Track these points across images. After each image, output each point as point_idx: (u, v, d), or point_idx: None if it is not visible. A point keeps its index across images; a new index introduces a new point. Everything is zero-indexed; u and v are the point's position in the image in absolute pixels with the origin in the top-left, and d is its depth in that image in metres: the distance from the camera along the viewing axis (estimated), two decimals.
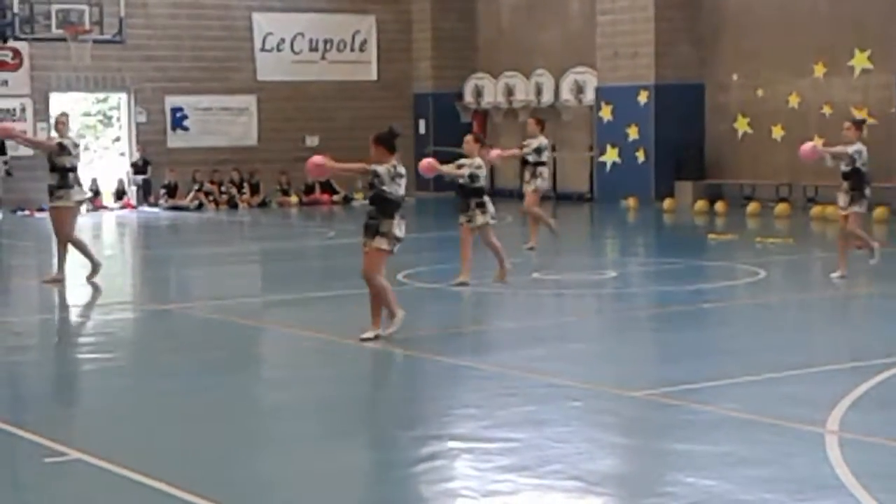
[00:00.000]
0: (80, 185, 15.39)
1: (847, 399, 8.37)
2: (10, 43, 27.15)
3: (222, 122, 30.05)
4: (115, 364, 10.53)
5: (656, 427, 7.97)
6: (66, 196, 15.05)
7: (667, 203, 25.75)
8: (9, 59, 27.69)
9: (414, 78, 32.03)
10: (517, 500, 6.44)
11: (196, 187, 28.92)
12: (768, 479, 6.61)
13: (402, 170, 10.82)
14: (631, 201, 26.29)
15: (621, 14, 27.24)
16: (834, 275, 14.48)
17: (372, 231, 10.79)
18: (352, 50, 31.45)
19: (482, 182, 14.27)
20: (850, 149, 14.13)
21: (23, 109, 27.80)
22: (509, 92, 30.40)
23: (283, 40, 30.58)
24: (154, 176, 29.05)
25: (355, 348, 10.68)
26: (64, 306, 14.23)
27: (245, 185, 29.49)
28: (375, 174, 10.67)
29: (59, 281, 15.14)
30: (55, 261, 15.52)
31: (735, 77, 26.43)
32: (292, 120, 30.40)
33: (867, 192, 14.32)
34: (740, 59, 26.28)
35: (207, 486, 6.67)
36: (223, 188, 29.30)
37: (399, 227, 10.80)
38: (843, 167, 14.26)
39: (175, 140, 29.59)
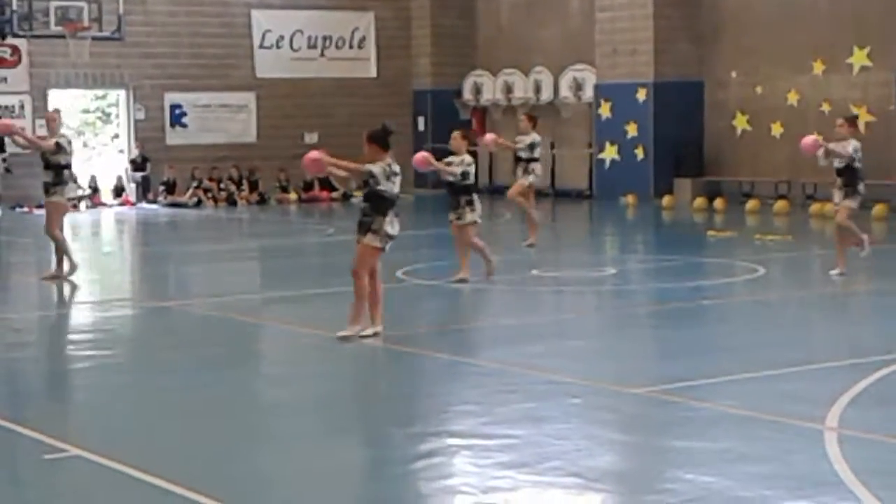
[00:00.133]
0: (74, 181, 15.42)
1: (846, 396, 8.37)
2: (9, 40, 27.12)
3: (221, 118, 30.05)
4: (114, 360, 10.52)
5: (655, 424, 7.98)
6: (59, 192, 15.09)
7: (666, 200, 25.74)
8: (7, 56, 27.69)
9: (413, 75, 32.02)
10: (516, 496, 6.45)
11: (195, 184, 28.91)
12: (767, 475, 6.61)
13: (396, 168, 10.80)
14: (630, 198, 26.29)
15: (620, 11, 27.23)
16: (833, 272, 14.48)
17: (365, 228, 10.78)
18: (351, 47, 31.45)
19: (472, 179, 14.25)
20: (850, 147, 14.12)
21: (21, 106, 27.79)
22: (508, 89, 30.39)
23: (281, 37, 30.57)
24: (153, 173, 29.04)
25: (354, 345, 10.67)
26: (63, 303, 14.22)
27: (244, 181, 29.49)
28: (371, 175, 10.65)
29: (58, 277, 15.15)
30: (54, 258, 15.51)
31: (734, 74, 26.43)
32: (291, 117, 30.40)
33: (860, 188, 14.31)
34: (739, 57, 26.28)
35: (206, 482, 6.67)
36: (222, 185, 29.29)
37: (392, 225, 10.77)
38: (837, 164, 14.27)
39: (174, 137, 29.58)
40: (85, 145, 37.79)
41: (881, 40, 23.60)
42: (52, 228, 15.17)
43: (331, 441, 7.77)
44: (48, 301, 14.28)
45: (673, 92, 26.63)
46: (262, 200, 29.27)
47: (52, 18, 26.31)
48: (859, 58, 24.10)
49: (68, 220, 24.55)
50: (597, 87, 28.04)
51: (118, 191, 29.27)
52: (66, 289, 14.80)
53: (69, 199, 15.34)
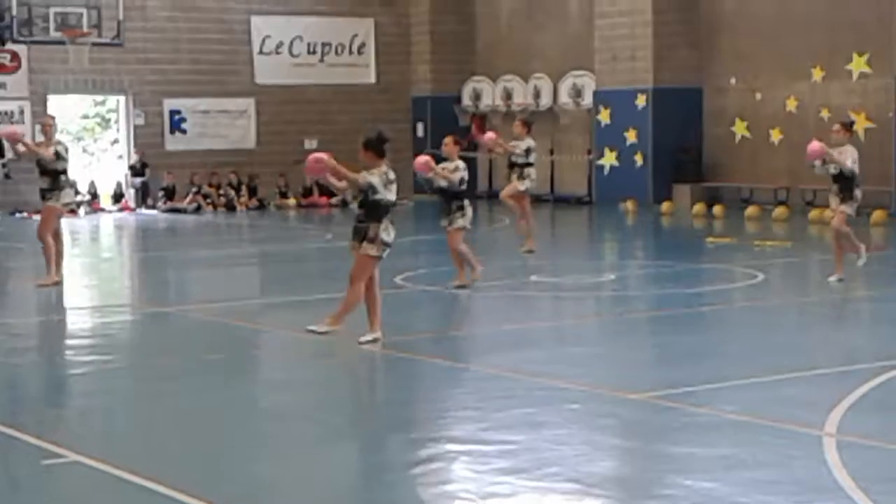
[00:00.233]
0: (70, 186, 15.45)
1: (846, 402, 8.37)
2: (9, 46, 27.15)
3: (220, 124, 30.05)
4: (112, 366, 10.52)
5: (655, 429, 7.97)
6: (55, 198, 15.12)
7: (665, 206, 25.75)
8: (7, 62, 27.69)
9: (412, 81, 32.04)
10: (515, 502, 6.44)
11: (194, 190, 28.91)
12: (767, 481, 6.61)
13: (392, 175, 10.77)
14: (629, 204, 26.28)
15: (620, 18, 27.25)
16: (831, 278, 14.48)
17: (360, 234, 10.75)
18: (350, 53, 31.46)
19: (464, 185, 14.21)
20: (848, 161, 14.10)
21: (21, 112, 27.79)
22: (508, 95, 30.41)
23: (281, 43, 30.58)
24: (152, 178, 29.04)
25: (353, 351, 10.67)
26: (62, 308, 14.21)
27: (243, 187, 29.49)
28: (371, 187, 10.63)
29: (57, 283, 15.15)
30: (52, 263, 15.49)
31: (733, 81, 26.45)
32: (291, 123, 30.41)
33: (856, 193, 14.30)
34: (738, 63, 26.30)
35: (205, 488, 6.66)
36: (221, 191, 29.30)
37: (387, 232, 10.74)
38: (832, 170, 14.28)
39: (173, 143, 29.59)
40: (84, 151, 37.83)
41: (880, 47, 23.62)
42: (44, 232, 15.18)
43: (330, 447, 7.77)
44: (47, 306, 14.27)
45: (672, 98, 26.65)
46: (262, 206, 29.28)
47: (52, 24, 26.34)
48: (858, 64, 24.11)
49: (68, 225, 24.63)
50: (596, 94, 28.06)
51: (117, 196, 29.28)
52: (82, 294, 14.80)
53: (65, 205, 15.35)
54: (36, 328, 13.03)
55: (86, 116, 37.79)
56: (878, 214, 21.94)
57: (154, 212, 28.53)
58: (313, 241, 22.51)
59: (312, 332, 10.86)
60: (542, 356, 10.41)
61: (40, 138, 15.73)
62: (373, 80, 31.68)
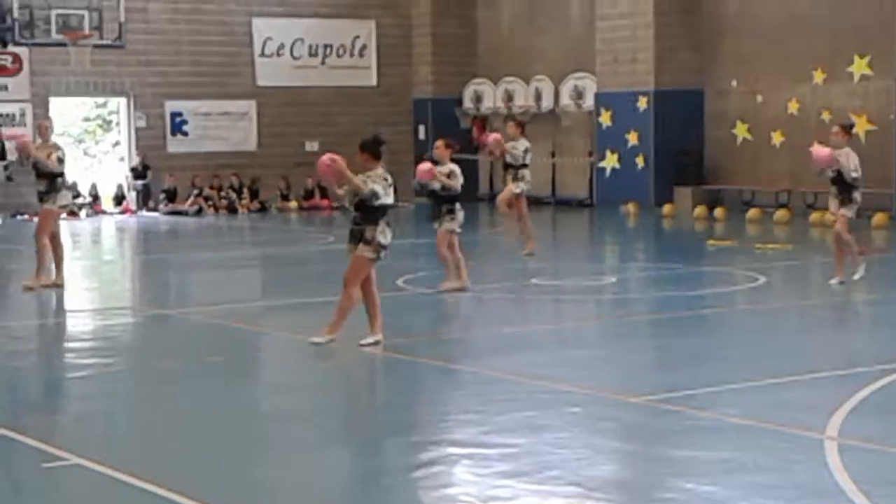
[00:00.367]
0: (67, 189, 15.48)
1: (847, 405, 8.36)
2: (10, 48, 27.17)
3: (222, 127, 30.07)
4: (114, 369, 10.51)
5: (656, 433, 7.96)
6: (52, 200, 15.15)
7: (666, 209, 25.75)
8: (9, 64, 27.71)
9: (413, 83, 32.05)
10: None
11: (196, 192, 28.93)
12: (768, 485, 6.60)
13: (389, 178, 10.78)
14: (630, 207, 26.29)
15: (621, 20, 27.25)
16: (833, 280, 14.47)
17: (356, 237, 10.75)
18: (351, 55, 31.47)
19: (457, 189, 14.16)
20: (851, 165, 14.08)
21: (22, 114, 27.81)
22: (509, 97, 30.42)
23: (282, 45, 30.60)
24: (154, 181, 29.06)
25: (354, 353, 10.66)
26: (63, 311, 14.21)
27: (244, 189, 29.50)
28: (375, 195, 10.61)
29: (59, 285, 15.16)
30: (52, 266, 15.49)
31: (734, 83, 26.45)
32: (292, 125, 30.43)
33: (855, 196, 14.28)
34: (740, 65, 26.30)
35: (206, 491, 6.66)
36: (223, 193, 29.31)
37: (384, 234, 10.73)
38: (830, 173, 14.28)
39: (175, 145, 29.61)
40: (85, 153, 37.85)
41: (881, 49, 23.62)
42: (40, 235, 15.20)
43: (331, 450, 7.77)
44: (48, 309, 14.27)
45: (673, 100, 26.65)
46: (263, 208, 29.29)
47: (54, 26, 26.37)
48: (860, 66, 24.12)
49: (69, 228, 24.65)
50: (597, 96, 28.06)
51: (119, 199, 29.29)
52: (83, 297, 14.81)
53: (61, 207, 15.38)
54: (37, 331, 13.03)
55: (87, 119, 37.81)
56: (879, 217, 21.93)
57: (155, 214, 28.55)
58: (314, 243, 22.51)
59: (316, 344, 10.80)
60: (543, 359, 10.41)
61: (38, 141, 15.73)
62: (374, 82, 31.69)
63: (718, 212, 24.89)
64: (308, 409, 8.87)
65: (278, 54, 30.59)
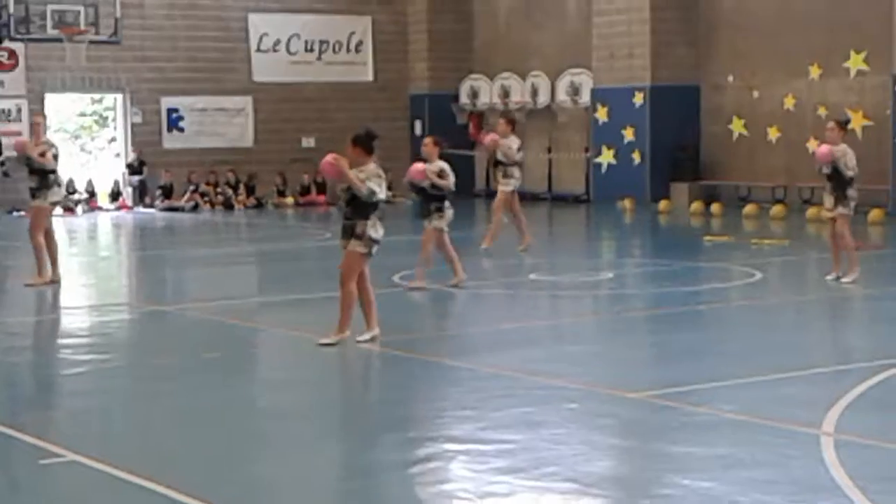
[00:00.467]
0: (58, 185, 15.47)
1: (843, 401, 8.37)
2: (6, 43, 27.13)
3: (218, 123, 30.04)
4: (110, 365, 10.51)
5: (653, 429, 7.97)
6: (42, 197, 15.14)
7: (662, 204, 25.75)
8: (4, 60, 27.67)
9: (410, 79, 32.03)
10: (513, 502, 6.44)
11: (192, 188, 28.91)
12: (765, 480, 6.61)
13: (382, 173, 10.75)
14: (627, 202, 26.29)
15: (617, 15, 27.25)
16: (829, 276, 14.48)
17: (348, 232, 10.73)
18: (348, 51, 31.45)
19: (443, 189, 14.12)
20: (850, 166, 14.08)
21: (18, 110, 27.77)
22: (505, 93, 30.40)
23: (278, 41, 30.57)
24: (150, 177, 29.04)
25: (351, 350, 10.67)
26: (59, 307, 14.20)
27: (241, 185, 29.48)
28: (373, 194, 10.60)
29: (55, 282, 15.15)
30: (48, 262, 15.47)
31: (731, 78, 26.45)
32: (288, 121, 30.40)
33: (850, 192, 14.26)
34: (736, 61, 26.30)
35: (203, 487, 6.66)
36: (219, 189, 29.29)
37: (375, 229, 10.69)
38: (825, 169, 14.29)
39: (171, 141, 29.58)
40: (82, 149, 37.81)
41: (878, 44, 23.61)
42: (35, 233, 15.19)
43: (328, 446, 7.77)
44: (44, 305, 14.27)
45: (670, 96, 26.65)
46: (259, 204, 29.27)
47: (49, 22, 26.32)
48: (856, 62, 24.11)
49: (65, 224, 24.64)
50: (594, 91, 28.05)
51: (115, 195, 29.26)
52: (79, 293, 14.80)
53: (53, 203, 15.36)
54: (33, 327, 13.02)
55: (83, 114, 37.75)
56: (875, 213, 21.94)
57: (152, 210, 28.52)
58: (311, 239, 22.50)
59: (325, 345, 10.76)
60: (540, 355, 10.41)
61: (31, 138, 15.71)
62: (370, 77, 31.67)
63: (715, 207, 24.90)
64: (305, 406, 8.88)
65: (274, 50, 30.56)
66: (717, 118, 26.78)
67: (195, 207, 28.60)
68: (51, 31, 26.28)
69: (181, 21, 29.49)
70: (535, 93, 29.71)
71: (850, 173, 14.13)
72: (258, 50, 30.37)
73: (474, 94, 31.18)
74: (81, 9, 26.44)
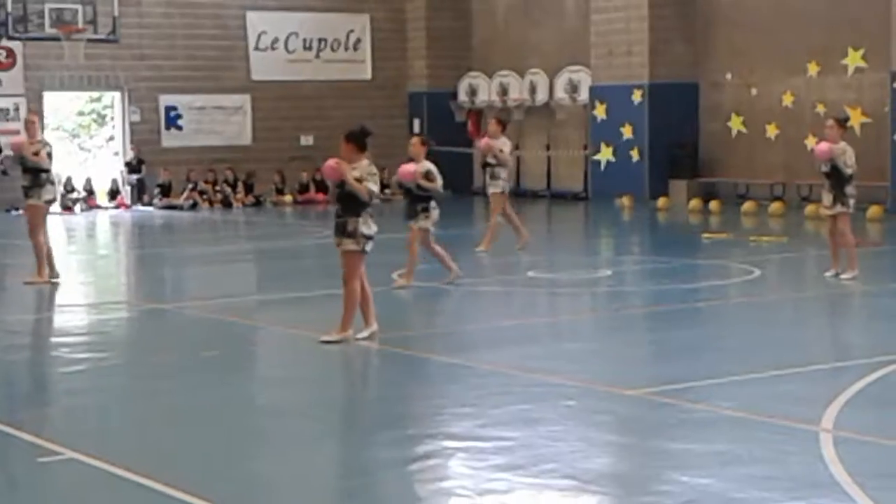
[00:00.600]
0: (52, 184, 15.47)
1: (842, 397, 8.37)
2: (4, 42, 27.11)
3: (216, 121, 30.02)
4: (109, 363, 10.51)
5: (651, 425, 7.97)
6: (36, 195, 15.14)
7: (661, 202, 25.75)
8: (2, 59, 27.65)
9: (408, 77, 32.02)
10: (511, 498, 6.44)
11: (190, 186, 28.89)
12: (763, 477, 6.61)
13: (375, 169, 10.73)
14: (625, 200, 26.29)
15: (615, 13, 27.25)
16: (828, 273, 14.49)
17: (340, 229, 10.71)
18: (346, 49, 31.43)
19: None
20: (849, 164, 14.07)
21: (16, 109, 27.74)
22: (503, 91, 30.39)
23: (277, 39, 30.55)
24: (148, 175, 29.02)
25: (349, 347, 10.66)
26: (58, 305, 14.19)
27: (239, 184, 29.47)
28: (372, 195, 10.60)
29: (48, 282, 15.14)
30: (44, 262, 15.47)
31: (729, 76, 26.45)
32: (287, 119, 30.39)
33: (848, 190, 14.24)
34: (734, 58, 26.30)
35: (202, 485, 6.66)
36: (217, 187, 29.28)
37: (367, 225, 10.66)
38: (824, 168, 14.29)
39: (169, 139, 29.56)
40: (80, 148, 37.80)
41: (876, 41, 23.61)
42: (34, 232, 15.18)
43: (326, 443, 7.77)
44: (43, 303, 14.26)
45: (668, 93, 26.65)
46: (258, 202, 29.26)
47: (47, 21, 26.31)
48: (854, 59, 24.12)
49: (63, 223, 24.63)
50: (592, 89, 28.05)
51: (113, 193, 29.25)
52: (77, 291, 14.79)
53: (47, 202, 15.36)
54: (32, 325, 13.02)
55: (81, 113, 37.74)
56: (873, 210, 21.94)
57: (150, 208, 28.51)
58: (309, 237, 22.50)
59: (327, 342, 10.75)
60: (538, 352, 10.41)
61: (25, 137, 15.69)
62: (369, 75, 31.66)
63: (713, 205, 24.90)
64: (303, 403, 8.87)
65: (272, 48, 30.54)
66: (715, 115, 26.78)
67: (194, 206, 28.58)
68: (49, 30, 26.28)
69: (179, 19, 29.47)
70: (533, 90, 29.71)
71: (848, 171, 14.13)
72: (256, 48, 30.35)
73: (473, 92, 31.17)
74: (79, 7, 26.43)
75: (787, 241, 18.96)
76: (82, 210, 27.99)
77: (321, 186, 29.16)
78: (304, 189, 29.75)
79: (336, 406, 9.00)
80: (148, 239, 23.38)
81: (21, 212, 26.33)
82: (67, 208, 27.54)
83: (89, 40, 26.61)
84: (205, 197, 28.97)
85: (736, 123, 26.34)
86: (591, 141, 28.25)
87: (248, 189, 29.48)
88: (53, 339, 12.10)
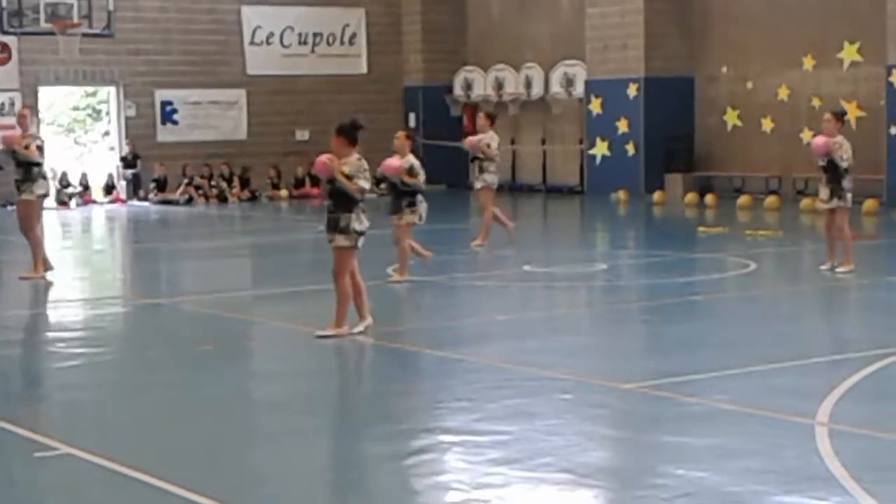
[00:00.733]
0: (44, 178, 15.45)
1: (837, 390, 8.38)
2: None
3: (212, 116, 30.00)
4: (105, 358, 10.51)
5: (647, 419, 7.98)
6: (29, 190, 15.12)
7: (657, 196, 25.77)
8: None
9: (404, 71, 32.00)
10: (508, 492, 6.44)
11: (186, 181, 28.88)
12: (758, 470, 6.62)
13: (365, 164, 10.71)
14: (621, 194, 26.30)
15: (610, 7, 27.24)
16: (823, 266, 14.50)
17: (333, 226, 10.70)
18: (341, 43, 31.41)
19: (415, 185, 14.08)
20: (846, 158, 14.07)
21: (12, 104, 27.70)
22: (499, 85, 30.39)
23: (272, 34, 30.52)
24: (144, 170, 29.00)
25: (344, 342, 10.66)
26: (53, 301, 14.19)
27: (235, 178, 29.46)
28: (362, 191, 10.58)
29: (41, 277, 15.13)
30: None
31: (724, 69, 26.45)
32: (282, 114, 30.37)
33: (844, 184, 14.25)
34: (730, 52, 26.30)
35: (198, 480, 6.66)
36: (213, 182, 29.26)
37: (359, 221, 10.64)
38: (820, 161, 14.29)
39: (165, 134, 29.54)
40: (76, 143, 37.76)
41: (872, 35, 23.63)
42: (29, 228, 15.17)
43: (322, 437, 7.78)
44: (38, 299, 14.25)
45: (664, 87, 26.65)
46: (253, 197, 29.25)
47: (42, 15, 26.26)
48: (850, 52, 24.13)
49: (59, 217, 24.61)
50: (587, 83, 28.04)
51: (109, 188, 29.22)
52: (73, 287, 14.78)
53: (39, 196, 15.34)
54: (27, 320, 13.01)
55: (76, 108, 37.69)
56: (869, 203, 21.96)
57: (146, 203, 28.49)
58: (305, 232, 22.48)
59: (322, 337, 10.74)
60: (534, 346, 10.42)
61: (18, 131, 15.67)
62: (364, 70, 31.64)
63: (709, 198, 24.91)
64: (299, 398, 8.88)
65: (268, 43, 30.52)
66: (711, 109, 26.79)
67: (189, 200, 28.56)
68: (44, 25, 26.23)
69: (174, 14, 29.44)
70: (528, 84, 29.69)
71: (845, 165, 14.12)
72: (252, 43, 30.32)
73: (468, 86, 31.15)
74: (74, 2, 26.38)
75: (782, 235, 18.98)
76: (78, 205, 27.97)
77: (316, 181, 29.11)
78: (299, 184, 29.74)
79: (332, 400, 9.00)
80: (144, 234, 23.37)
81: (15, 207, 26.46)
82: (63, 203, 27.52)
83: (84, 35, 26.58)
84: (200, 192, 28.95)
85: (732, 117, 26.35)
86: (586, 135, 28.25)
87: (244, 184, 29.47)
88: (49, 335, 12.10)
